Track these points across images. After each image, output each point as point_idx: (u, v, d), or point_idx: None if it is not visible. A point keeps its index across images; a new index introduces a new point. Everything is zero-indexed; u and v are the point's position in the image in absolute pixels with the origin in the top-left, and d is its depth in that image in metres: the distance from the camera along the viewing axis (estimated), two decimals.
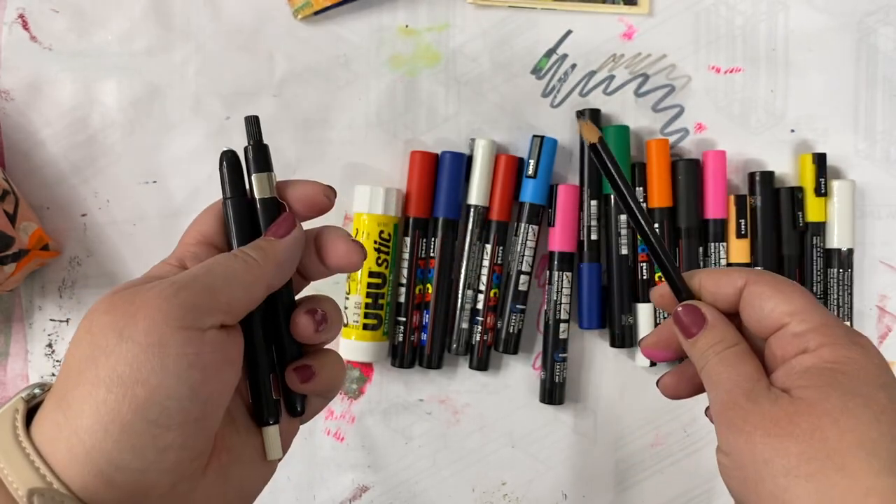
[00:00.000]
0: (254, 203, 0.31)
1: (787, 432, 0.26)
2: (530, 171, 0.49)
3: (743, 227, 0.50)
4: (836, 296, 0.51)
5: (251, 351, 0.30)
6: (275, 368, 0.31)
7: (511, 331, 0.50)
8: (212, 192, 0.50)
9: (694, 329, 0.30)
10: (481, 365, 0.50)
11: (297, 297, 0.33)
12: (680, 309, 0.31)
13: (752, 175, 0.51)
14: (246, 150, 0.31)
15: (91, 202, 0.49)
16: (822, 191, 0.50)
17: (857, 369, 0.27)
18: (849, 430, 0.26)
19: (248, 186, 0.31)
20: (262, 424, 0.31)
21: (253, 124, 0.31)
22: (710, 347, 0.30)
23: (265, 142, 0.31)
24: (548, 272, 0.50)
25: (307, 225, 0.32)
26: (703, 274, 0.32)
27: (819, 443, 0.26)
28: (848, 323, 0.51)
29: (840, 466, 0.25)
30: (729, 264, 0.50)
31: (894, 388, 0.27)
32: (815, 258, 0.51)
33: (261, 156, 0.31)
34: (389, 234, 0.49)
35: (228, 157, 0.31)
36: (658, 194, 0.50)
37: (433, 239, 0.50)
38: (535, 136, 0.49)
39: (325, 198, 0.32)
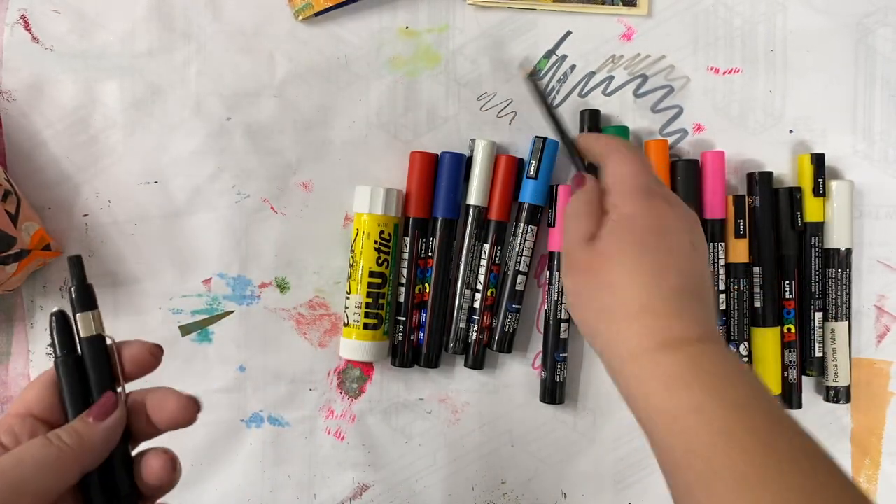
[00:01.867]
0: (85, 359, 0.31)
1: (588, 274, 0.37)
2: (531, 172, 0.50)
3: (742, 226, 0.50)
4: (834, 295, 0.51)
5: None
6: None
7: (506, 330, 0.50)
8: (213, 192, 0.50)
9: (577, 186, 0.40)
10: (476, 364, 0.50)
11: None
12: (572, 176, 0.41)
13: (750, 175, 0.51)
14: (70, 290, 0.31)
15: (92, 202, 0.50)
16: (820, 191, 0.51)
17: (641, 221, 0.37)
18: (620, 264, 0.36)
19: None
20: None
21: (76, 265, 0.31)
22: (576, 205, 0.39)
23: (90, 282, 0.32)
24: (548, 272, 0.51)
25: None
26: (588, 139, 0.42)
27: (603, 278, 0.36)
28: (846, 323, 0.51)
29: (613, 291, 0.35)
30: (728, 264, 0.50)
31: (668, 236, 0.36)
32: (813, 258, 0.51)
33: (85, 295, 0.31)
34: (390, 235, 0.49)
35: (57, 318, 0.31)
36: None
37: (433, 239, 0.50)
38: (537, 137, 0.50)
39: (152, 356, 0.32)
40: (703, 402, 0.32)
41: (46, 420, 0.31)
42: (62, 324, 0.31)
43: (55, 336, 0.31)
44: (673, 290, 0.35)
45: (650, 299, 0.35)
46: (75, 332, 0.31)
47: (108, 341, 0.32)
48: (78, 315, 0.31)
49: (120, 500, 0.31)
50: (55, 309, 0.32)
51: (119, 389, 0.31)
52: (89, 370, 0.31)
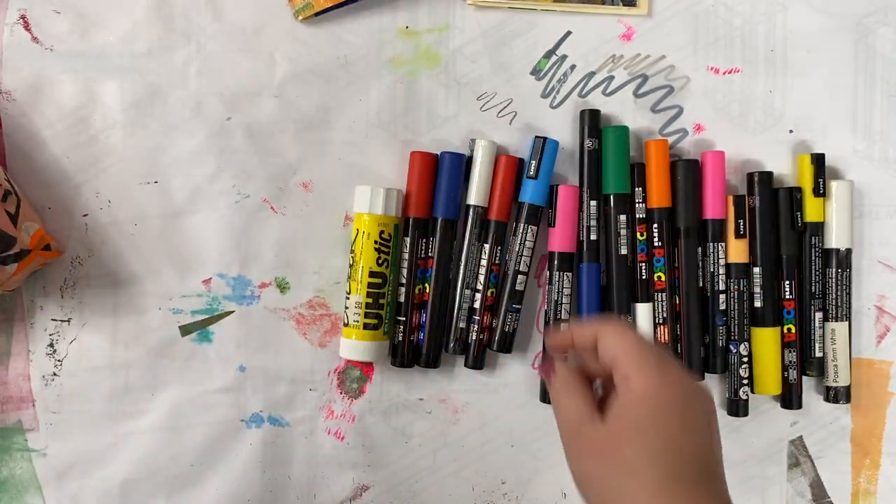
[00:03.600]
0: None
1: (601, 454, 0.34)
2: (531, 172, 0.49)
3: (742, 227, 0.50)
4: (834, 296, 0.51)
5: None
6: None
7: (506, 330, 0.50)
8: (213, 192, 0.50)
9: (549, 373, 0.39)
10: (477, 364, 0.50)
11: None
12: (540, 363, 0.41)
13: (750, 175, 0.51)
14: None
15: (92, 202, 0.50)
16: (820, 191, 0.51)
17: (658, 397, 0.34)
18: (639, 446, 0.33)
19: None
20: None
21: None
22: (559, 387, 0.38)
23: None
24: (548, 272, 0.51)
25: None
26: (574, 330, 0.40)
27: (619, 459, 0.34)
28: (846, 323, 0.51)
29: (631, 474, 0.33)
30: (728, 264, 0.50)
31: (686, 413, 0.35)
32: (813, 258, 0.51)
33: None
34: (390, 235, 0.49)
35: None
36: (657, 195, 0.50)
37: (433, 239, 0.50)
38: (537, 137, 0.50)
39: None
40: None
41: None
42: None
43: None
44: (694, 473, 0.34)
45: (672, 482, 0.33)
46: None
47: None
48: None
49: None
50: None
51: None
52: None
